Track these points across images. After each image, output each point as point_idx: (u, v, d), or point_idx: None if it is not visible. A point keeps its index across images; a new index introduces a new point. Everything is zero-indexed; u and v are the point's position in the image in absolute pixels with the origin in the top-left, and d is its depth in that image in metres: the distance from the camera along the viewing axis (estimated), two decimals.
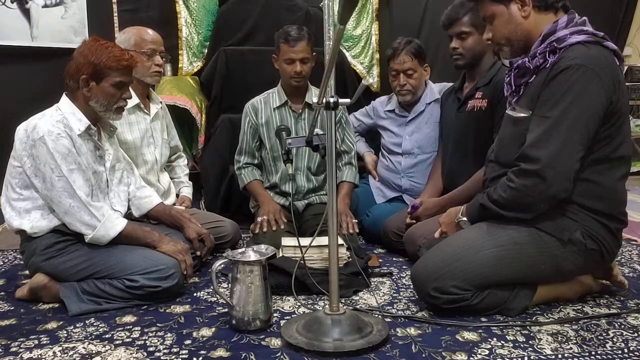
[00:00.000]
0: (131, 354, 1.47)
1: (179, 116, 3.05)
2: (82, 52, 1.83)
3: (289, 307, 1.79)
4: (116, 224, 1.83)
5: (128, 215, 2.05)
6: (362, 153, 2.86)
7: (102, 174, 1.93)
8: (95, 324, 1.67)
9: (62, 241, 1.82)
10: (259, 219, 2.37)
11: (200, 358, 1.44)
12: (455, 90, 2.42)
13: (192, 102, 3.18)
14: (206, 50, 3.68)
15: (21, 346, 1.53)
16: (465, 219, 1.78)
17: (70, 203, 1.77)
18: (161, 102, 2.44)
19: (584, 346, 1.47)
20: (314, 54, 2.47)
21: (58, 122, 1.79)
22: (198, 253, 2.10)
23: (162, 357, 1.45)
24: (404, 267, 2.21)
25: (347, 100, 1.52)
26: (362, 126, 2.91)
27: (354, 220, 2.38)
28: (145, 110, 2.31)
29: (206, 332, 1.60)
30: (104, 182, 1.94)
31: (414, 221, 2.29)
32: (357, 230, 2.37)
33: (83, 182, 1.80)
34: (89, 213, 1.78)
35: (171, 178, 2.53)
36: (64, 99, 1.87)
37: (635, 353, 1.43)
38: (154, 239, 1.91)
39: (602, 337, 1.52)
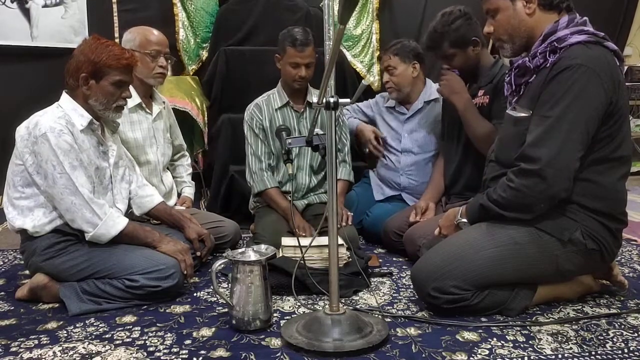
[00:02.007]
0: (131, 354, 1.47)
1: (178, 118, 3.06)
2: (83, 50, 1.83)
3: (289, 307, 1.79)
4: (117, 223, 1.83)
5: (129, 214, 2.06)
6: (355, 126, 2.77)
7: (105, 170, 1.93)
8: (95, 324, 1.67)
9: (62, 241, 1.82)
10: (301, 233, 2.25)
11: (200, 358, 1.44)
12: None
13: (192, 103, 3.18)
14: (203, 53, 3.70)
15: (21, 346, 1.53)
16: (464, 220, 1.78)
17: (72, 200, 1.77)
18: (164, 102, 2.44)
19: (584, 346, 1.47)
20: (317, 55, 2.47)
21: (60, 118, 1.79)
22: (198, 253, 2.10)
23: (162, 357, 1.45)
24: (404, 267, 2.21)
25: (347, 100, 1.52)
26: (361, 117, 2.86)
27: (349, 214, 2.40)
28: (147, 110, 2.31)
29: (206, 332, 1.60)
30: (107, 178, 1.94)
31: (418, 219, 2.30)
32: (351, 224, 2.38)
33: (85, 179, 1.80)
34: (90, 211, 1.78)
35: (174, 177, 2.53)
36: (64, 96, 1.87)
37: (635, 353, 1.43)
38: (155, 238, 1.91)
39: (602, 337, 1.52)
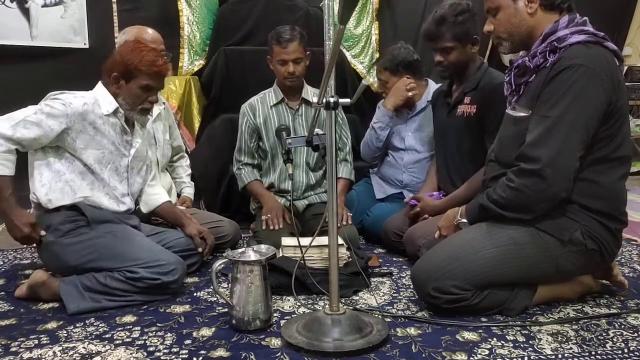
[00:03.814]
0: (131, 354, 1.47)
1: None
2: (120, 51, 1.95)
3: (289, 307, 1.79)
4: None
5: (137, 211, 2.11)
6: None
7: (122, 158, 1.99)
8: (95, 323, 1.67)
9: (73, 221, 1.86)
10: (263, 218, 2.37)
11: (200, 358, 1.44)
12: (444, 94, 2.42)
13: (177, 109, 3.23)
14: (207, 49, 3.68)
15: (21, 346, 1.53)
16: (464, 220, 1.78)
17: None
18: (164, 103, 2.44)
19: (584, 346, 1.47)
20: (308, 53, 2.48)
21: (84, 97, 1.89)
22: (200, 250, 2.11)
23: (162, 357, 1.45)
24: (404, 267, 2.21)
25: (347, 100, 1.52)
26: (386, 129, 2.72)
27: (348, 214, 2.43)
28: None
29: (206, 332, 1.60)
30: (123, 167, 2.00)
31: (418, 210, 2.31)
32: (351, 223, 2.40)
33: (31, 136, 1.80)
34: None
35: (173, 178, 2.54)
36: (99, 85, 1.98)
37: (635, 353, 1.43)
38: (3, 206, 1.80)
39: (602, 337, 1.52)
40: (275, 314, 1.70)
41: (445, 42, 2.21)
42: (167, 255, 1.86)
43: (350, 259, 1.99)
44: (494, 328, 1.58)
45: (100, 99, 1.93)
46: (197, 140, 3.38)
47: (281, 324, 1.62)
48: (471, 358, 1.41)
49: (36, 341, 1.56)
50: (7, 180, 1.81)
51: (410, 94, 2.59)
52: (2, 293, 1.97)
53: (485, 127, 2.14)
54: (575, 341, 1.50)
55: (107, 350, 1.49)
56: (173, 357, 1.45)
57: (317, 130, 1.67)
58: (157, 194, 2.16)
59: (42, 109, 1.83)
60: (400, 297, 1.86)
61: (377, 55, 3.86)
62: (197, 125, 3.38)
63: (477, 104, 2.19)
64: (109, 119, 1.93)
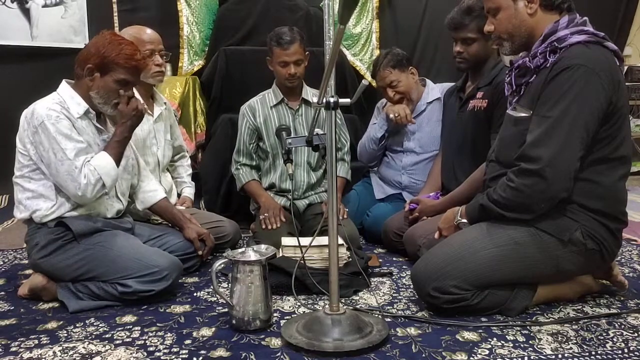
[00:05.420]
0: (131, 354, 1.47)
1: None
2: (96, 42, 1.85)
3: (289, 307, 1.79)
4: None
5: (132, 208, 2.08)
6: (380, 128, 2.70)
7: None
8: (95, 323, 1.67)
9: (60, 238, 1.82)
10: (261, 217, 2.38)
11: (200, 358, 1.44)
12: (457, 89, 2.43)
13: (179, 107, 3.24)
14: (207, 49, 3.69)
15: (21, 346, 1.53)
16: (464, 220, 1.78)
17: (74, 185, 1.77)
18: (165, 103, 2.44)
19: (584, 346, 1.47)
20: (307, 53, 2.48)
21: (55, 104, 1.81)
22: (200, 253, 2.10)
23: (162, 357, 1.45)
24: (404, 267, 2.21)
25: (347, 100, 1.52)
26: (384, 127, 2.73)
27: (345, 209, 2.45)
28: (149, 112, 2.30)
29: (206, 332, 1.60)
30: None
31: (417, 214, 2.31)
32: (346, 217, 2.43)
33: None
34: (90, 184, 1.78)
35: (173, 178, 2.54)
36: (63, 84, 1.89)
37: (635, 353, 1.43)
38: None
39: (602, 337, 1.52)
40: (275, 314, 1.70)
41: (468, 33, 2.21)
42: (158, 259, 1.82)
43: (350, 259, 1.99)
44: (494, 328, 1.58)
45: (67, 101, 1.84)
46: (207, 139, 3.39)
47: (281, 324, 1.62)
48: (471, 358, 1.41)
49: (36, 341, 1.56)
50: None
51: (391, 115, 2.54)
52: (2, 293, 1.97)
53: (492, 121, 2.15)
54: (575, 341, 1.50)
55: (107, 350, 1.49)
56: (173, 357, 1.45)
57: (317, 130, 1.67)
58: (154, 191, 2.11)
59: (58, 138, 1.76)
60: (400, 297, 1.86)
61: (377, 52, 3.86)
62: (193, 125, 3.39)
63: (489, 99, 2.20)
64: (79, 121, 1.84)
